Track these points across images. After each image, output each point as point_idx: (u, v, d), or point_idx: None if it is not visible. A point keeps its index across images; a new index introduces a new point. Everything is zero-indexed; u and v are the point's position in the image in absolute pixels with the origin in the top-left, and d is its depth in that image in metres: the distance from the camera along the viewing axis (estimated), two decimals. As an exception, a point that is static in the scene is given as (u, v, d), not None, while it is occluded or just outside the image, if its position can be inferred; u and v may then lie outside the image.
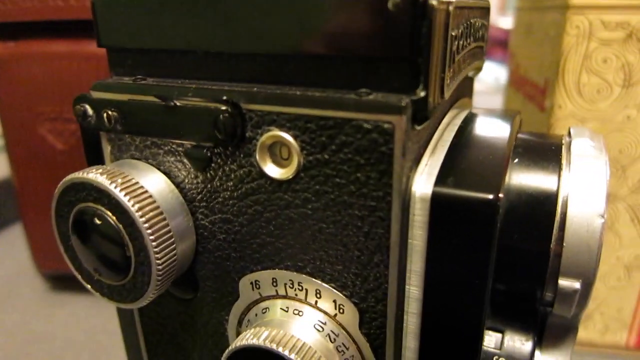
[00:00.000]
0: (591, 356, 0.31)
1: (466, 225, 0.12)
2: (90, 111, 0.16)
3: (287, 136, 0.13)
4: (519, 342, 0.16)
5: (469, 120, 0.17)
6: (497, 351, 0.16)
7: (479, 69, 0.20)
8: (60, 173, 0.33)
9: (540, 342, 0.16)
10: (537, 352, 0.16)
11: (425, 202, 0.13)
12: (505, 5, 1.34)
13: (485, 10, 0.18)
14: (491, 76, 0.91)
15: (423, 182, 0.13)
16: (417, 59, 0.12)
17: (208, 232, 0.15)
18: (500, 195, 0.12)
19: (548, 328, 0.16)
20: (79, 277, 0.16)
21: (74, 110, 0.16)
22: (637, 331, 0.30)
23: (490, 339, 0.16)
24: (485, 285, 0.13)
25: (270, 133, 0.13)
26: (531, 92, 0.31)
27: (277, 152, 0.14)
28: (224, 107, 0.13)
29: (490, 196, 0.12)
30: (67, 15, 0.29)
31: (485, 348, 0.16)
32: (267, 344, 0.13)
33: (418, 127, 0.12)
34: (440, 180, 0.13)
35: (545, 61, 0.28)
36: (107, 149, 0.16)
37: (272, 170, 0.14)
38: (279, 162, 0.14)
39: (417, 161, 0.13)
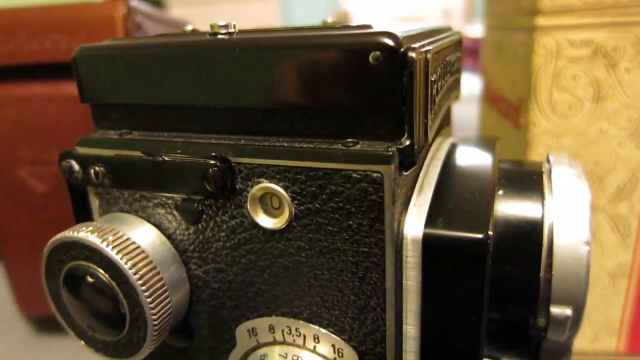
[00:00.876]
0: (583, 363, 0.31)
1: (458, 264, 0.13)
2: (76, 167, 0.15)
3: (277, 187, 0.13)
4: (515, 370, 0.16)
5: (452, 152, 0.17)
6: (495, 380, 0.16)
7: (456, 98, 0.20)
8: (43, 215, 0.33)
9: (535, 367, 0.17)
10: (533, 377, 0.17)
11: (417, 243, 0.13)
12: (471, 12, 1.36)
13: (458, 43, 0.19)
14: (464, 86, 0.92)
15: (413, 223, 0.13)
16: (401, 108, 0.12)
17: (202, 281, 0.15)
18: (490, 233, 0.13)
19: (543, 353, 0.17)
20: (72, 333, 0.16)
21: (60, 167, 0.16)
22: (625, 336, 0.30)
23: (487, 367, 0.17)
24: (480, 320, 0.13)
25: (261, 185, 0.13)
26: (505, 109, 0.32)
27: (268, 202, 0.14)
28: (213, 162, 0.13)
29: (480, 235, 0.12)
30: (43, 58, 0.29)
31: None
32: (269, 394, 0.13)
33: (405, 173, 0.13)
34: (430, 221, 0.13)
35: (516, 80, 0.29)
36: (95, 202, 0.16)
37: (264, 220, 0.14)
38: (271, 212, 0.14)
39: (406, 204, 0.14)
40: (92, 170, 0.15)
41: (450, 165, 0.16)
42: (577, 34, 0.25)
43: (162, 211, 0.15)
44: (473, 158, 0.17)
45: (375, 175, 0.12)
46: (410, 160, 0.13)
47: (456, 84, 0.19)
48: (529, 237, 0.15)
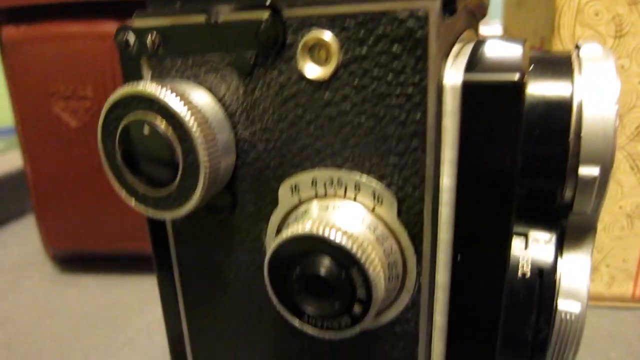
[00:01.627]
0: (599, 309, 0.32)
1: (495, 107, 0.14)
2: (132, 39, 0.17)
3: (327, 36, 0.14)
4: (542, 243, 0.17)
5: (482, 41, 0.18)
6: (523, 252, 0.17)
7: (482, 8, 0.21)
8: (75, 150, 0.34)
9: (562, 244, 0.17)
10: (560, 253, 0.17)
11: (455, 90, 0.14)
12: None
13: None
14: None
15: (452, 74, 0.14)
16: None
17: (248, 144, 0.16)
18: (525, 75, 0.13)
19: (569, 229, 0.17)
20: (123, 193, 0.17)
21: (116, 40, 0.17)
22: (641, 280, 0.31)
23: (516, 242, 0.17)
24: (515, 164, 0.14)
25: (311, 35, 0.14)
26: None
27: (316, 54, 0.15)
28: (265, 16, 0.14)
29: (516, 76, 0.13)
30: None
31: (511, 250, 0.17)
32: (313, 231, 0.14)
33: (448, 18, 0.14)
34: (468, 70, 0.14)
35: (539, 22, 0.30)
36: (147, 74, 0.17)
37: (312, 71, 0.15)
38: (319, 64, 0.15)
39: (445, 58, 0.15)
40: (147, 40, 0.16)
41: (484, 44, 0.17)
42: (599, -31, 0.26)
43: (214, 75, 0.16)
44: (504, 41, 0.18)
45: (420, 13, 0.13)
46: (453, 5, 0.14)
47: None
48: (559, 101, 0.16)
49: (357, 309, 0.15)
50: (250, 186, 0.17)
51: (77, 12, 0.32)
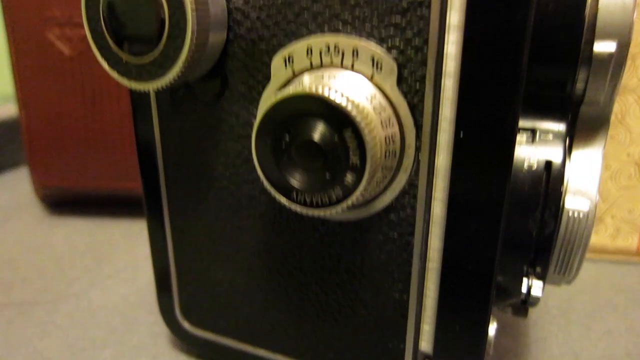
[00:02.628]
0: (603, 262, 0.30)
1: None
2: None
3: None
4: (551, 136, 0.16)
5: None
6: (530, 146, 0.16)
7: None
8: (68, 80, 0.33)
9: (572, 137, 0.16)
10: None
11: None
12: None
13: None
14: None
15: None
16: None
17: (241, 14, 0.15)
18: None
19: (580, 122, 0.16)
20: (105, 64, 0.16)
21: None
22: (647, 233, 0.30)
23: (522, 137, 0.16)
24: (527, 30, 0.13)
25: None
26: None
27: None
28: None
29: None
30: None
31: (518, 145, 0.16)
32: (305, 89, 0.13)
33: None
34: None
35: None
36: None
37: None
38: None
39: None
40: None
41: None
42: None
43: (207, -64, 0.15)
44: None
45: None
46: None
47: None
48: (574, -27, 0.15)
49: (349, 178, 0.14)
50: (241, 63, 0.16)
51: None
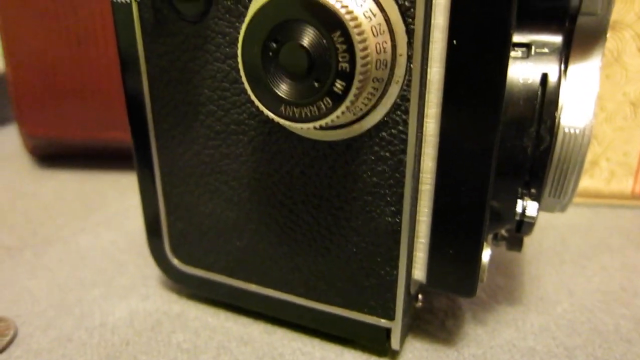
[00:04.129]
0: (598, 207, 0.30)
1: None
2: None
3: None
4: (546, 50, 0.16)
5: None
6: (525, 60, 0.16)
7: None
8: (53, 24, 0.32)
9: (568, 51, 0.16)
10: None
11: None
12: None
13: None
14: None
15: None
16: None
17: None
18: None
19: (576, 34, 0.16)
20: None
21: None
22: (642, 176, 0.30)
23: (517, 53, 0.16)
24: None
25: None
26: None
27: None
28: None
29: None
30: None
31: (512, 60, 0.16)
32: (293, -11, 0.13)
33: None
34: None
35: None
36: None
37: None
38: None
39: None
40: None
41: None
42: None
43: None
44: None
45: None
46: None
47: None
48: None
49: (338, 85, 0.13)
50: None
51: None
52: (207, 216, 0.19)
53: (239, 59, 0.14)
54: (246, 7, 0.15)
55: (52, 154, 0.36)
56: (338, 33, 0.12)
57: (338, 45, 0.13)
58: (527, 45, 0.16)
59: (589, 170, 0.30)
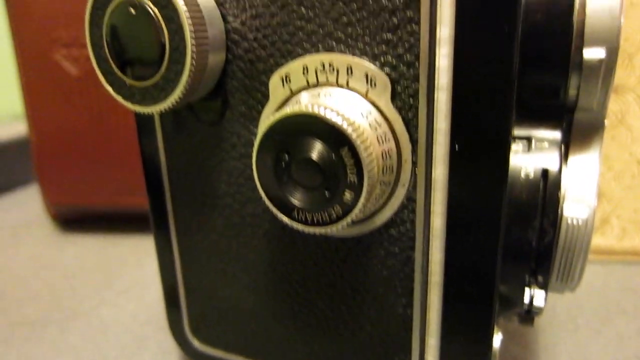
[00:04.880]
0: (611, 264, 0.30)
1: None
2: None
3: None
4: (547, 144, 0.16)
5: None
6: (526, 155, 0.16)
7: None
8: (75, 100, 0.34)
9: (568, 144, 0.17)
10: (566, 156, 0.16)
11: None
12: None
13: None
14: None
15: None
16: None
17: (238, 34, 0.16)
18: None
19: (575, 129, 0.16)
20: (110, 89, 0.16)
21: None
22: (654, 232, 0.30)
23: (518, 146, 0.17)
24: (515, 40, 0.13)
25: None
26: None
27: None
28: None
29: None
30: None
31: (514, 154, 0.16)
32: (302, 109, 0.14)
33: None
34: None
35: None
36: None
37: (303, -57, 0.14)
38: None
39: None
40: None
41: None
42: None
43: (203, -37, 0.16)
44: None
45: None
46: None
47: None
48: (563, -15, 0.15)
49: (348, 195, 0.14)
50: (240, 83, 0.16)
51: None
52: (225, 300, 0.20)
53: (254, 167, 0.15)
54: (259, 113, 0.16)
55: (74, 219, 0.38)
56: (346, 149, 0.13)
57: (346, 161, 0.13)
58: (528, 139, 0.17)
59: (600, 228, 0.30)
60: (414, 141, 0.15)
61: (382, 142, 0.14)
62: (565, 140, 0.16)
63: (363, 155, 0.13)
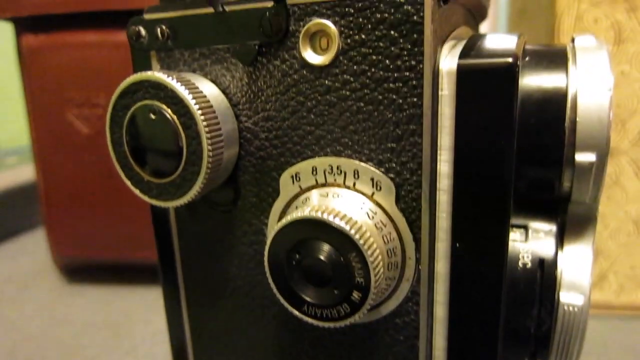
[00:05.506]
0: (609, 319, 0.31)
1: (489, 90, 0.14)
2: (143, 31, 0.17)
3: (328, 22, 0.15)
4: (542, 234, 0.17)
5: (479, 34, 0.18)
6: (523, 244, 0.17)
7: (481, 9, 0.22)
8: (85, 157, 0.35)
9: (562, 234, 0.17)
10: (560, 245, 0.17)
11: (451, 75, 0.14)
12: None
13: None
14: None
15: (448, 61, 0.15)
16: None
17: (251, 133, 0.17)
18: (518, 60, 0.14)
19: (569, 220, 0.17)
20: (128, 182, 0.17)
21: (128, 33, 0.18)
22: (651, 288, 0.30)
23: (516, 235, 0.17)
24: (512, 149, 0.14)
25: (313, 22, 0.15)
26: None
27: (317, 43, 0.15)
28: (270, 5, 0.15)
29: (510, 60, 0.14)
30: (99, 6, 0.32)
31: (511, 242, 0.17)
32: (312, 214, 0.14)
33: (443, 5, 0.14)
34: (463, 56, 0.14)
35: (540, 30, 0.30)
36: (156, 67, 0.18)
37: (314, 57, 0.15)
38: (320, 51, 0.15)
39: (441, 45, 0.15)
40: (158, 30, 0.17)
41: (479, 35, 0.17)
42: (597, -22, 0.26)
43: (219, 66, 0.17)
44: (500, 34, 0.18)
45: (416, -2, 0.14)
46: (447, -7, 0.14)
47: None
48: (554, 89, 0.16)
49: (355, 295, 0.15)
50: (252, 177, 0.17)
51: (93, 21, 0.33)
52: (234, 373, 0.20)
53: (265, 262, 0.16)
54: (270, 205, 0.17)
55: (81, 269, 0.38)
56: (354, 254, 0.14)
57: (354, 264, 0.14)
58: (525, 227, 0.17)
59: (598, 284, 0.31)
60: (417, 240, 0.15)
61: (388, 241, 0.15)
62: (560, 229, 0.17)
63: (370, 260, 0.14)
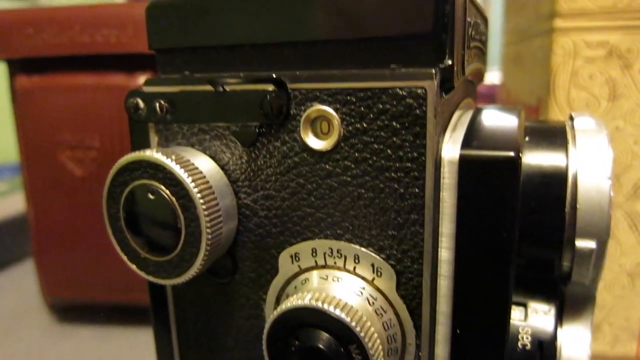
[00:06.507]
0: (603, 369, 0.31)
1: (491, 182, 0.14)
2: (141, 104, 0.17)
3: (329, 109, 0.15)
4: (542, 314, 0.17)
5: (480, 110, 0.18)
6: (523, 323, 0.17)
7: (480, 75, 0.22)
8: (78, 199, 0.34)
9: (561, 314, 0.17)
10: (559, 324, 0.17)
11: (453, 164, 0.14)
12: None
13: (485, 20, 0.21)
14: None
15: (450, 148, 0.15)
16: (442, 35, 0.14)
17: (250, 210, 0.17)
18: (520, 153, 0.14)
19: (568, 300, 0.17)
20: (125, 258, 0.17)
21: (126, 105, 0.17)
22: (645, 340, 0.30)
23: (515, 313, 0.17)
24: (513, 239, 0.14)
25: (314, 108, 0.15)
26: (525, 113, 0.34)
27: (318, 127, 0.15)
28: (271, 88, 0.15)
29: (512, 153, 0.14)
30: (93, 50, 0.32)
31: (511, 321, 0.17)
32: (313, 303, 0.14)
33: (445, 96, 0.14)
34: (465, 145, 0.14)
35: (535, 82, 0.30)
36: (154, 140, 0.18)
37: (315, 142, 0.15)
38: (321, 137, 0.15)
39: (442, 133, 0.15)
40: (156, 105, 0.17)
41: (480, 115, 0.17)
42: (592, 35, 0.27)
43: (218, 143, 0.16)
44: (501, 112, 0.18)
45: (419, 90, 0.14)
46: (450, 84, 0.14)
47: (481, 55, 0.20)
48: (554, 175, 0.16)
49: (356, 383, 0.14)
50: (250, 253, 0.17)
51: (87, 64, 0.32)
52: None
53: (264, 346, 0.15)
54: (268, 282, 0.17)
55: (71, 309, 0.38)
56: (354, 345, 0.14)
57: (355, 356, 0.14)
58: (524, 305, 0.17)
59: (593, 335, 0.31)
60: (417, 327, 0.15)
61: (388, 328, 0.15)
62: (559, 308, 0.17)
63: (370, 352, 0.14)
